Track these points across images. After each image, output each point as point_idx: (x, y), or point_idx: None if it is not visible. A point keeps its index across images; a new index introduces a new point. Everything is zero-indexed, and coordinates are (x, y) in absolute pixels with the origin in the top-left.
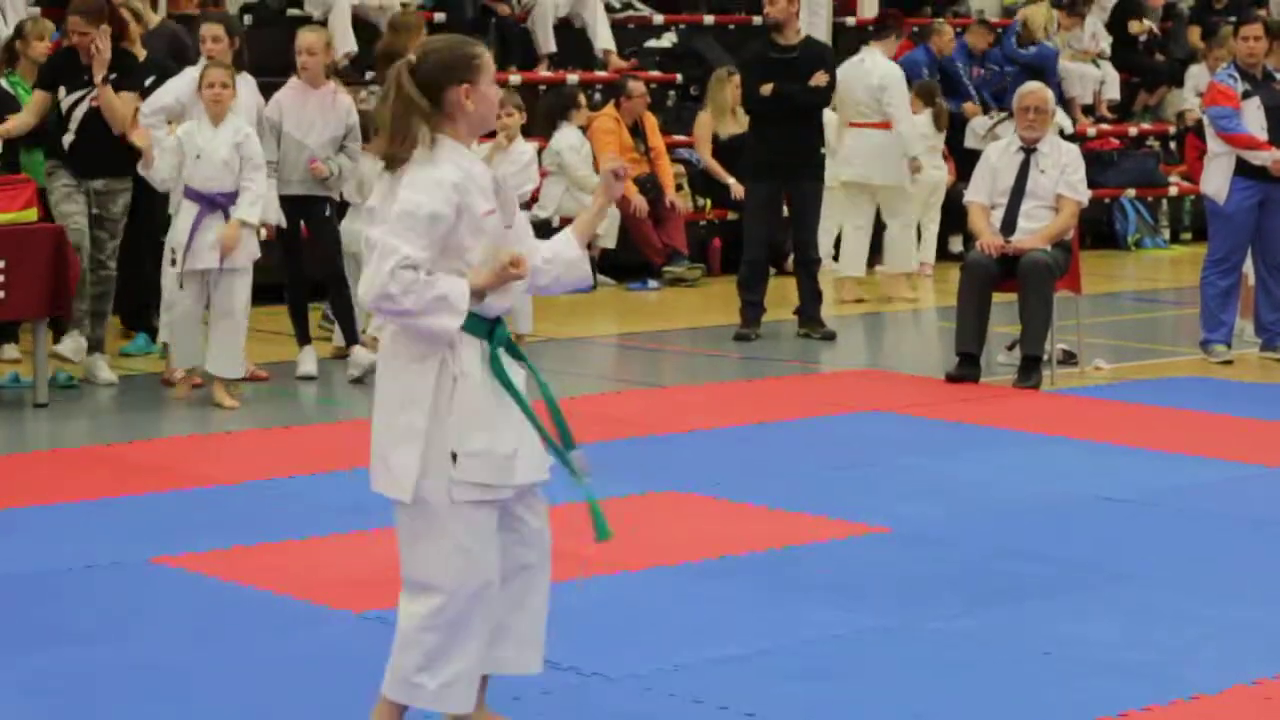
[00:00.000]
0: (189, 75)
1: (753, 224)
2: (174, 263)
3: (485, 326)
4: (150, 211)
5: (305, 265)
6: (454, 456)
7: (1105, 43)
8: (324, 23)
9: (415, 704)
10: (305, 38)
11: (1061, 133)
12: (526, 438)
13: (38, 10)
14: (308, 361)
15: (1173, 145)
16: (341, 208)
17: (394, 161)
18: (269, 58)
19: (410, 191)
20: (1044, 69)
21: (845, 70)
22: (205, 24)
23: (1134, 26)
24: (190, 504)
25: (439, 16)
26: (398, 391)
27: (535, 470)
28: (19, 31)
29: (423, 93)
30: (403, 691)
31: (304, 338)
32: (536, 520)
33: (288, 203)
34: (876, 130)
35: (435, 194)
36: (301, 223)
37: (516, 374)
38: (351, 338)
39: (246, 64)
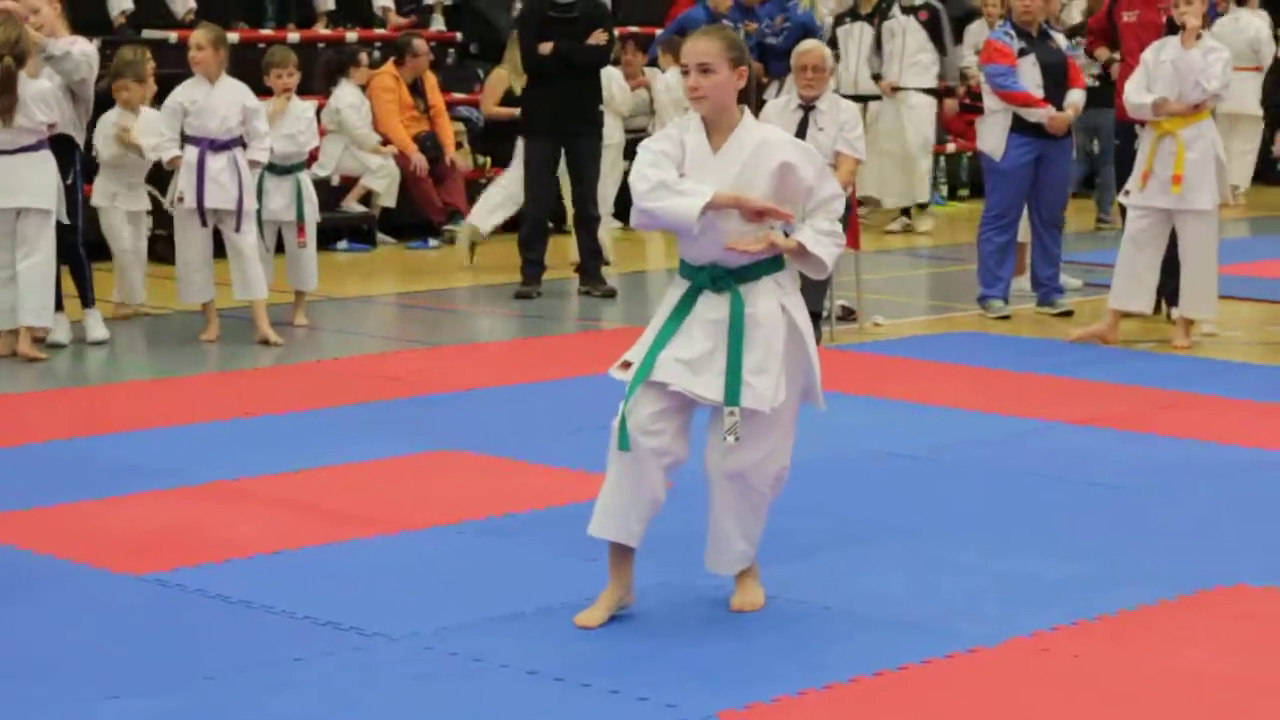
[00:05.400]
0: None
1: (532, 182)
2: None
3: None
4: None
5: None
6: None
7: None
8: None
9: (750, 561)
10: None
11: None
12: None
13: None
14: (96, 328)
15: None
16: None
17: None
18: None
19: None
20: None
21: (1222, 25)
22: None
23: None
24: None
25: None
26: (782, 328)
27: None
28: None
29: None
30: (750, 555)
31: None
32: None
33: None
34: (1246, 73)
35: None
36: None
37: None
38: (86, 300)
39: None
